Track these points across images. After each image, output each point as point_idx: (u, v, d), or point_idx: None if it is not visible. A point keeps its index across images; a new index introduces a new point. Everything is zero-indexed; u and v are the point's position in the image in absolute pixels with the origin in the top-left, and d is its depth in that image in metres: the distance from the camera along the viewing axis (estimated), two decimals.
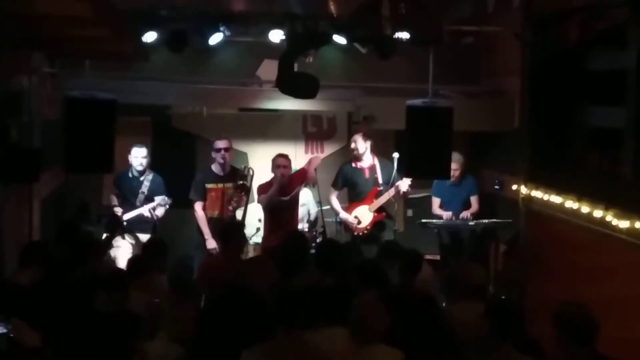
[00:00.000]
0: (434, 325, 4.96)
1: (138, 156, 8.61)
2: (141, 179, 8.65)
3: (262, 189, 8.50)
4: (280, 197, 8.33)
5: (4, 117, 7.28)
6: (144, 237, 8.28)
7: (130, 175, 8.66)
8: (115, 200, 8.72)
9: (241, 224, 7.85)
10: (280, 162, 8.42)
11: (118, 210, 8.56)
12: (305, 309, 4.59)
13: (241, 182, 8.56)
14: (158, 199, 8.55)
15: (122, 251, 8.38)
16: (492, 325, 4.58)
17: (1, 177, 6.87)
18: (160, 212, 8.60)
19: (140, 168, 8.63)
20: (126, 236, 8.45)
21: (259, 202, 8.65)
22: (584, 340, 4.42)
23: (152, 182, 8.66)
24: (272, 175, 8.51)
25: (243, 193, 8.58)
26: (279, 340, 4.50)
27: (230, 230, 7.10)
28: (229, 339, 4.53)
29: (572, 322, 4.47)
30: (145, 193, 8.61)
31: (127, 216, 8.46)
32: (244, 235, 7.39)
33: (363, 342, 4.39)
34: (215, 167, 8.74)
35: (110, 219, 8.20)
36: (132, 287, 5.50)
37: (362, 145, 8.62)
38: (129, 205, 8.57)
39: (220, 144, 8.68)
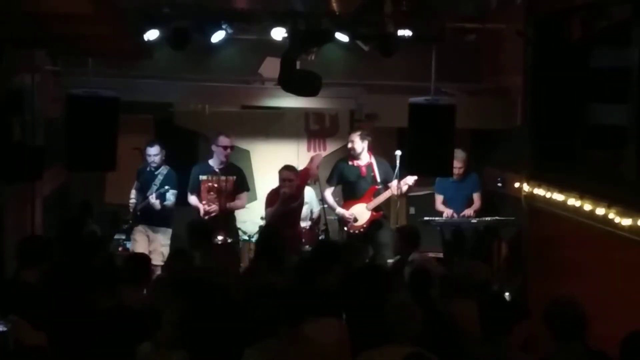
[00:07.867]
0: (436, 323, 4.97)
1: (150, 154, 8.80)
2: (156, 172, 8.85)
3: (270, 198, 8.44)
4: (284, 208, 8.26)
5: (7, 115, 7.26)
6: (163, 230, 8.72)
7: (148, 169, 8.88)
8: (134, 193, 8.95)
9: (208, 223, 7.70)
10: (286, 176, 8.27)
11: (132, 202, 8.87)
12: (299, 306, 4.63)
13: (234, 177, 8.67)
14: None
15: (139, 245, 8.65)
16: (493, 322, 4.59)
17: (4, 175, 6.86)
18: (169, 202, 8.75)
19: (154, 165, 8.81)
20: (141, 227, 8.72)
21: (265, 215, 8.53)
22: (571, 335, 4.42)
23: (165, 175, 8.84)
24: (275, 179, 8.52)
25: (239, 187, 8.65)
26: (280, 337, 4.51)
27: (202, 230, 7.00)
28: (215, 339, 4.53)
29: (560, 318, 4.48)
30: (157, 185, 8.76)
31: (140, 206, 8.73)
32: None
33: (395, 343, 4.38)
34: (213, 162, 8.75)
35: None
36: (131, 287, 5.51)
37: (359, 144, 8.58)
38: (143, 197, 8.82)
39: (225, 141, 8.69)
